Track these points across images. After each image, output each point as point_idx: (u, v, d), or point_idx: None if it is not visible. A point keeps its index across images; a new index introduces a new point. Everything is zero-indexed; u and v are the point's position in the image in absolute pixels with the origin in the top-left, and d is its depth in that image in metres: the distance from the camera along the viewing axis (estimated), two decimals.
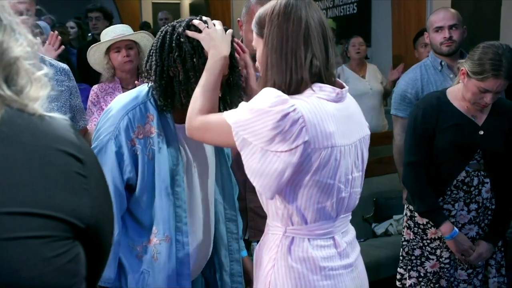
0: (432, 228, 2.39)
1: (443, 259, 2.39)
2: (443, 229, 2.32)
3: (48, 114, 0.76)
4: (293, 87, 1.39)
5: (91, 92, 2.90)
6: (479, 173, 2.33)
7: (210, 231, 1.81)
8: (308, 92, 1.39)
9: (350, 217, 1.57)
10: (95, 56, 2.83)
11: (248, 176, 1.40)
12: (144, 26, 6.83)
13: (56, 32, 2.95)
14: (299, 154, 1.33)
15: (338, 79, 1.51)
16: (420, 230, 2.43)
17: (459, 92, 2.32)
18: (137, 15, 9.08)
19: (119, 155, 1.58)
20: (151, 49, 1.61)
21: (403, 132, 2.93)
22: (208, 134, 1.49)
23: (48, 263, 0.69)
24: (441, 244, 2.39)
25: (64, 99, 2.15)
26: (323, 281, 1.45)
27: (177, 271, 1.65)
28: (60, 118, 0.78)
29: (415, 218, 2.45)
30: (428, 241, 2.41)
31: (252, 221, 2.32)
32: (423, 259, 2.42)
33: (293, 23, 1.40)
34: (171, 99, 1.59)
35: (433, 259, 2.40)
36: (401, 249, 2.54)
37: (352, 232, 1.59)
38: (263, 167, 1.35)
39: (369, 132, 1.57)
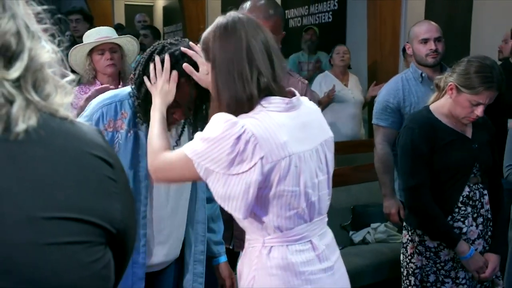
0: (445, 249, 2.32)
1: (460, 279, 2.32)
2: (460, 249, 2.25)
3: (75, 119, 0.78)
4: (245, 105, 1.46)
5: None
6: (478, 186, 2.32)
7: (179, 229, 1.91)
8: (258, 108, 1.46)
9: (326, 219, 1.61)
10: (77, 57, 2.77)
11: (218, 202, 1.45)
12: (118, 28, 6.74)
13: None
14: (259, 171, 1.39)
15: (292, 89, 1.58)
16: (432, 254, 2.33)
17: (444, 108, 2.31)
18: (109, 17, 8.96)
19: None
20: (141, 59, 1.75)
21: (384, 141, 2.97)
22: (171, 173, 1.55)
23: (86, 268, 0.71)
24: (455, 265, 2.32)
25: None
26: (303, 285, 1.50)
27: (132, 259, 1.75)
28: (86, 123, 0.80)
29: (426, 242, 2.34)
30: (442, 264, 2.32)
31: (238, 231, 2.31)
32: (438, 284, 2.32)
33: (234, 44, 1.46)
34: (146, 106, 1.72)
35: (448, 282, 2.32)
36: (412, 278, 2.38)
37: (330, 234, 1.63)
38: (229, 191, 1.40)
39: (331, 135, 1.63)
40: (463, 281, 2.32)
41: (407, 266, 2.41)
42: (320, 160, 1.54)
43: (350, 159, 4.35)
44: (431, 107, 2.36)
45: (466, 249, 2.25)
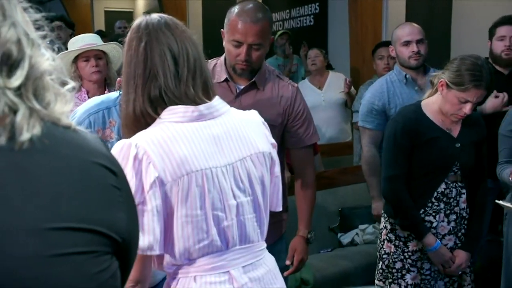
0: (414, 240, 2.42)
1: (424, 270, 2.42)
2: (427, 241, 2.35)
3: (77, 127, 0.77)
4: (138, 120, 1.32)
5: None
6: (456, 184, 2.38)
7: None
8: (157, 120, 1.31)
9: (259, 248, 1.42)
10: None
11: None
12: (99, 35, 6.72)
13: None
14: (157, 194, 1.22)
15: (217, 96, 1.40)
16: (401, 243, 2.44)
17: (434, 105, 2.36)
18: (89, 23, 8.90)
19: None
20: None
21: (370, 143, 2.98)
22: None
23: (93, 279, 0.69)
24: (422, 256, 2.42)
25: None
26: None
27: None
28: (88, 132, 0.79)
29: (396, 231, 2.46)
30: (410, 254, 2.43)
31: None
32: (404, 272, 2.44)
33: (134, 49, 1.33)
34: None
35: (414, 271, 2.42)
36: (380, 262, 2.53)
37: (266, 266, 1.43)
38: (145, 226, 1.22)
39: (264, 150, 1.42)
40: (427, 272, 2.42)
41: (380, 250, 2.54)
42: (239, 179, 1.34)
43: (336, 162, 4.38)
44: (422, 103, 2.42)
45: (433, 242, 2.34)
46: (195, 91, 1.33)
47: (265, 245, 1.47)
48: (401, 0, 5.25)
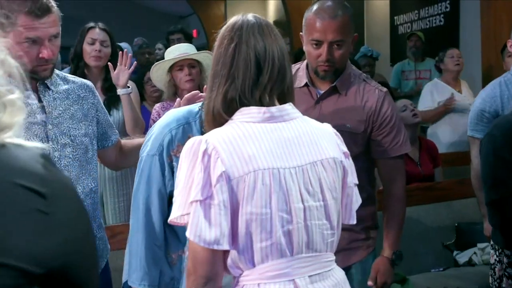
0: None
1: None
2: None
3: (16, 142, 0.70)
4: (215, 113, 1.35)
5: (153, 111, 2.93)
6: None
7: None
8: (229, 121, 1.34)
9: (327, 259, 1.37)
10: (158, 73, 2.86)
11: (193, 239, 1.24)
12: None
13: (126, 51, 2.95)
14: (225, 188, 1.24)
15: (290, 102, 1.38)
16: None
17: None
18: None
19: (162, 168, 1.71)
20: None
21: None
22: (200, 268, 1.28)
23: None
24: None
25: (91, 116, 1.98)
26: None
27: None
28: (30, 146, 0.72)
29: None
30: None
31: None
32: None
33: (224, 48, 1.35)
34: None
35: None
36: None
37: (335, 279, 1.37)
38: (207, 219, 1.23)
39: (334, 156, 1.38)
40: None
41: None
42: (309, 182, 1.32)
43: (453, 172, 4.04)
44: None
45: None
46: (270, 98, 1.35)
47: (333, 257, 1.40)
48: None
